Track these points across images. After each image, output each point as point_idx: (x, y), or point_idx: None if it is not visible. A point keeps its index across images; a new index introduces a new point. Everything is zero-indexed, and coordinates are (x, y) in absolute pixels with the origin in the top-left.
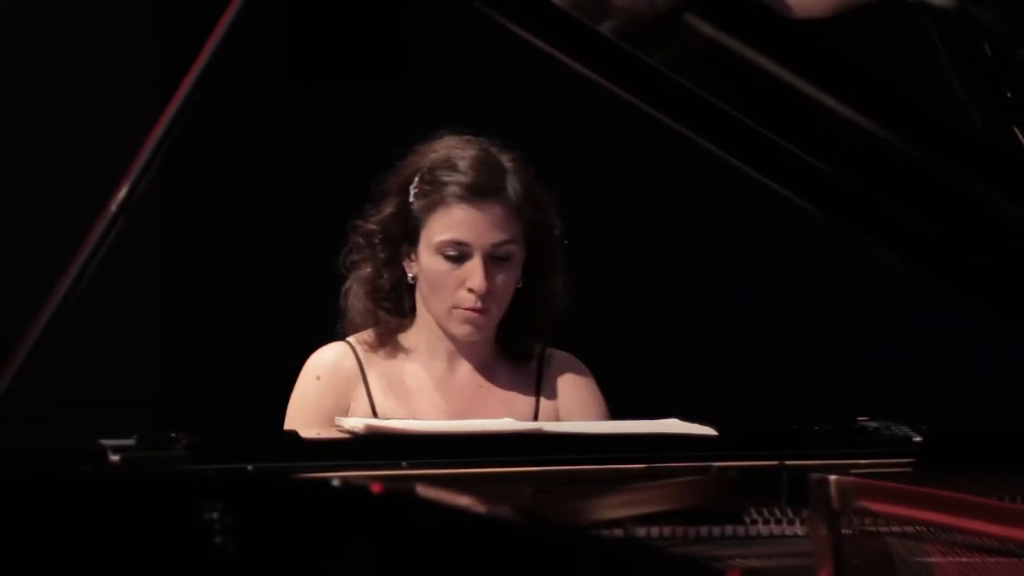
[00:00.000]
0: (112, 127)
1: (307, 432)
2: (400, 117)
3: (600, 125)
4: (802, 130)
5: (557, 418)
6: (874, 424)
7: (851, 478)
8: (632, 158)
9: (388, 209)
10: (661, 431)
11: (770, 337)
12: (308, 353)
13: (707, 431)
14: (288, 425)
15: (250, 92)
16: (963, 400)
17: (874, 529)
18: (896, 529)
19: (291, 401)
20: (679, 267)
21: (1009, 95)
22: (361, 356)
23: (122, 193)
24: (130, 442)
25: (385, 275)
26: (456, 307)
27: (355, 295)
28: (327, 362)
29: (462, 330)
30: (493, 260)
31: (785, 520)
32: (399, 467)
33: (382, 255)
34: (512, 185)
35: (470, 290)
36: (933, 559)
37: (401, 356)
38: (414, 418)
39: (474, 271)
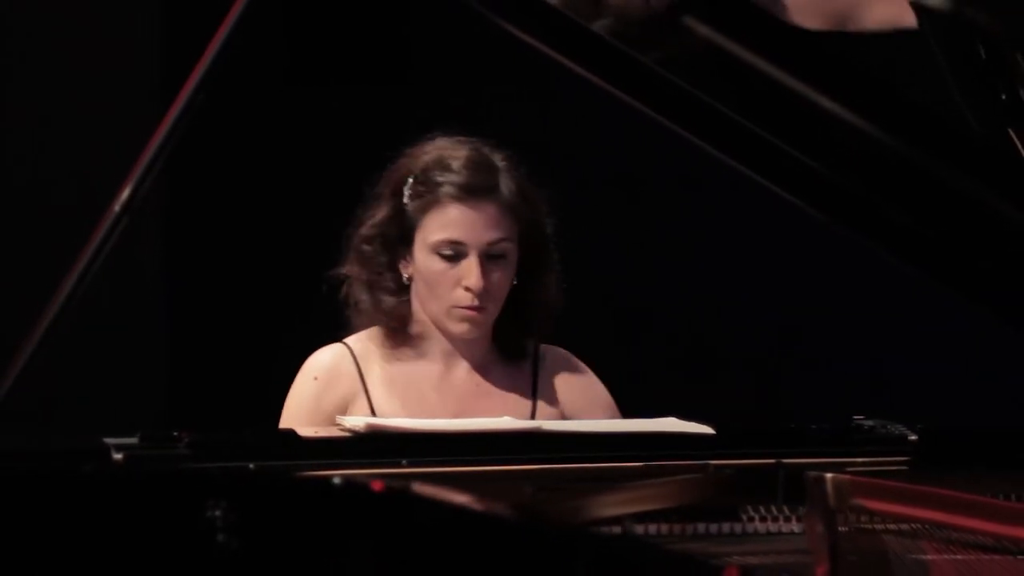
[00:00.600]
0: (115, 128)
1: (308, 431)
2: (402, 117)
3: (601, 126)
4: (798, 131)
5: (557, 415)
6: (870, 423)
7: (847, 476)
8: (632, 159)
9: (383, 212)
10: (659, 430)
11: (770, 337)
12: (309, 352)
13: (705, 429)
14: (283, 425)
15: (252, 92)
16: (962, 400)
17: (870, 527)
18: (892, 527)
19: (287, 402)
20: (679, 268)
21: (1004, 97)
22: (359, 358)
23: (126, 193)
24: (133, 441)
25: (388, 276)
26: (454, 306)
27: (356, 298)
28: (324, 364)
29: (459, 328)
30: (488, 258)
31: (782, 518)
32: (399, 465)
33: (380, 258)
34: (505, 184)
35: (467, 289)
36: (928, 556)
37: (399, 356)
38: (415, 418)
39: (470, 270)
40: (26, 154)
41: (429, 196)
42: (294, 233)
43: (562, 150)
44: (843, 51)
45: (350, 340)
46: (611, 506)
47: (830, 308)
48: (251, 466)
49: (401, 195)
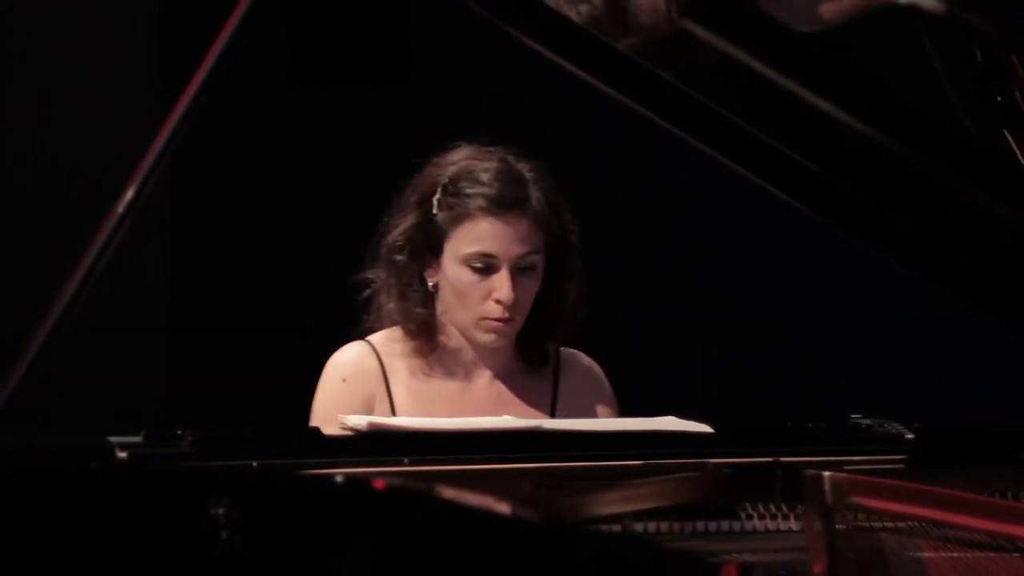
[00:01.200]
0: (119, 129)
1: (311, 429)
2: (403, 118)
3: (602, 127)
4: (800, 134)
5: (572, 417)
6: (867, 421)
7: (845, 474)
8: (632, 160)
9: (410, 220)
10: (658, 428)
11: (770, 337)
12: (311, 351)
13: (703, 428)
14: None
15: (254, 93)
16: (961, 400)
17: (867, 524)
18: (889, 524)
19: (316, 403)
20: (679, 268)
21: (1000, 99)
22: (383, 357)
23: (129, 194)
24: (137, 439)
25: (412, 285)
26: (483, 318)
27: (383, 305)
28: (351, 363)
29: (487, 339)
30: (518, 271)
31: (780, 516)
32: (401, 464)
33: (408, 266)
34: (535, 196)
35: (497, 301)
36: (925, 554)
37: (422, 362)
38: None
39: (501, 283)
40: (30, 155)
41: (459, 208)
42: (296, 233)
43: (562, 151)
44: (843, 54)
45: (373, 339)
46: (610, 504)
47: (830, 308)
48: (254, 464)
49: (430, 205)
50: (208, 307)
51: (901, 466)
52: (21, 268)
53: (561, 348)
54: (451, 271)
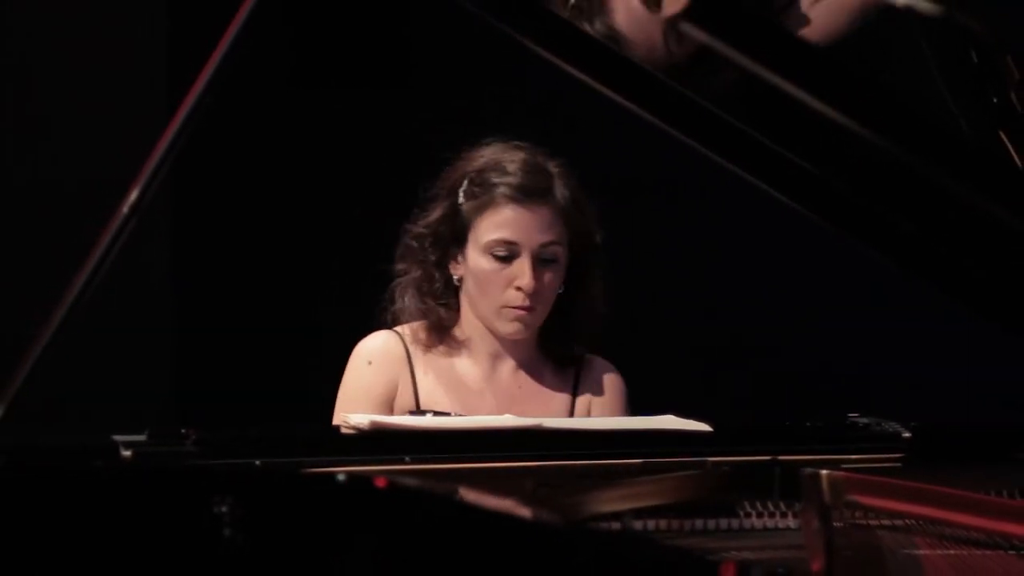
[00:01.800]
0: (123, 130)
1: (313, 428)
2: (404, 120)
3: (603, 128)
4: (801, 138)
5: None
6: (865, 420)
7: (842, 473)
8: (633, 162)
9: (437, 212)
10: (657, 427)
11: (770, 337)
12: (314, 351)
13: (702, 427)
14: (340, 411)
15: (256, 94)
16: (960, 400)
17: (865, 522)
18: (886, 522)
19: (343, 387)
20: (678, 268)
21: (996, 100)
22: (408, 344)
23: (133, 195)
24: (141, 438)
25: (436, 276)
26: (505, 306)
27: (407, 295)
28: (377, 347)
29: (509, 328)
30: (540, 261)
31: (778, 513)
32: (402, 462)
33: (433, 257)
34: (559, 189)
35: (518, 289)
36: (922, 551)
37: (446, 352)
38: (457, 412)
39: (523, 270)
40: (34, 156)
41: (484, 197)
42: (299, 233)
43: (563, 153)
44: (843, 58)
45: (400, 328)
46: (610, 502)
47: (829, 308)
48: (257, 463)
49: (456, 195)
50: (212, 307)
51: (898, 464)
52: (26, 268)
53: (588, 355)
54: (473, 260)
